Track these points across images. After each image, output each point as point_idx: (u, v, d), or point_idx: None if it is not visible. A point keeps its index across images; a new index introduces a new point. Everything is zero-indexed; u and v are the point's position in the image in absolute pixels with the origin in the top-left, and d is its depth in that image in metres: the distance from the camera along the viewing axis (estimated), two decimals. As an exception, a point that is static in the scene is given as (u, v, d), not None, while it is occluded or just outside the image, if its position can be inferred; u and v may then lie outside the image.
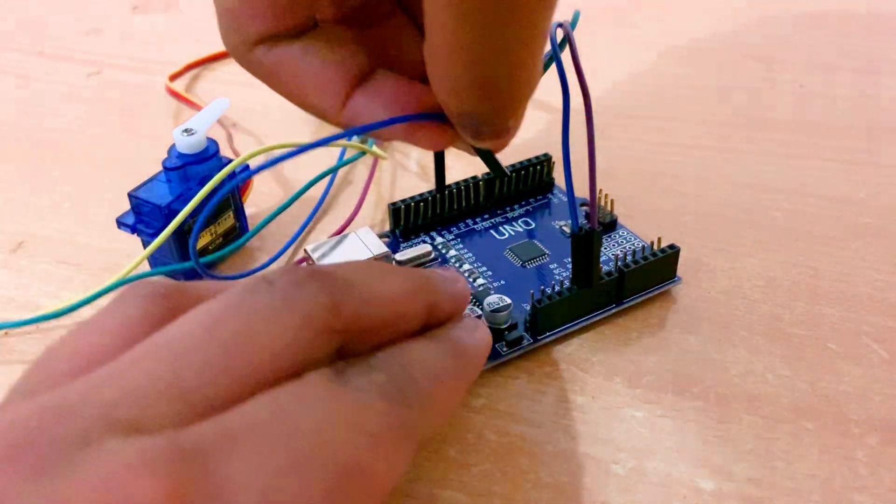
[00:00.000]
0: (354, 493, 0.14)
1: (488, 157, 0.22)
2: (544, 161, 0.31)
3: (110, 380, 0.14)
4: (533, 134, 0.36)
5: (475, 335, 0.20)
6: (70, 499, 0.12)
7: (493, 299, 0.24)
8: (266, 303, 0.16)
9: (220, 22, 0.19)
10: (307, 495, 0.13)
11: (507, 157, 0.35)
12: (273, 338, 0.15)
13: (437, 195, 0.29)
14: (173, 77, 0.42)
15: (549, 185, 0.31)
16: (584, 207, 0.30)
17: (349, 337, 0.17)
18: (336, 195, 0.33)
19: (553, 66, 0.20)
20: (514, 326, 0.24)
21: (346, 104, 0.19)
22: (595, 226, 0.23)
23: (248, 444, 0.14)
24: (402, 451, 0.16)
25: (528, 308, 0.24)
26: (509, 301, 0.24)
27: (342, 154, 0.34)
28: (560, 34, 0.20)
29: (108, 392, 0.14)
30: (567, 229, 0.29)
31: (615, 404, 0.22)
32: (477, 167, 0.31)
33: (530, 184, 0.31)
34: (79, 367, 0.15)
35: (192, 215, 0.26)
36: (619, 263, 0.25)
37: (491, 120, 0.18)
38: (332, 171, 0.32)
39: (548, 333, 0.24)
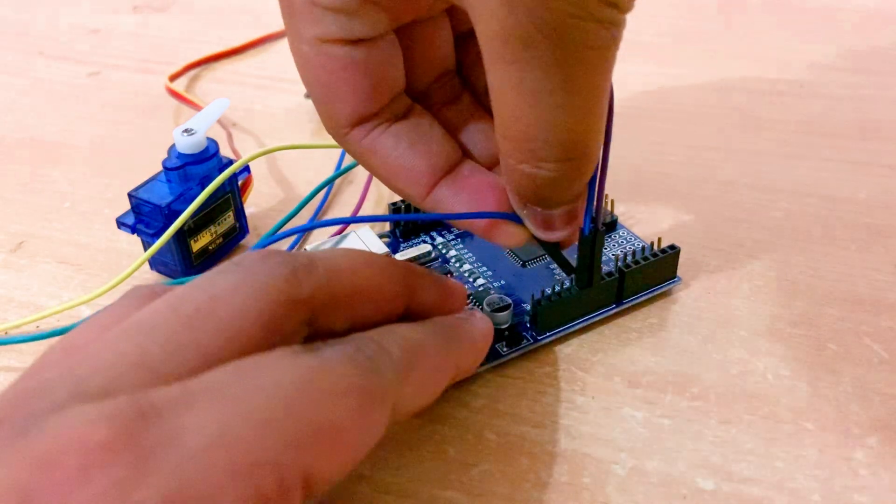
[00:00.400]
0: (311, 446, 0.14)
1: (556, 253, 0.23)
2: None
3: (83, 359, 0.15)
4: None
5: (470, 321, 0.21)
6: (36, 451, 0.13)
7: (493, 299, 0.24)
8: (230, 279, 0.17)
9: (317, 110, 0.21)
10: (260, 442, 0.14)
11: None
12: (234, 309, 0.16)
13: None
14: (173, 77, 0.42)
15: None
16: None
17: (316, 309, 0.17)
18: (336, 195, 0.33)
19: None
20: (514, 326, 0.24)
21: (430, 192, 0.21)
22: (599, 226, 0.23)
23: (206, 399, 0.14)
24: (368, 415, 0.16)
25: (529, 308, 0.24)
26: (510, 301, 0.24)
27: (341, 157, 0.34)
28: None
29: (80, 369, 0.15)
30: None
31: (615, 404, 0.22)
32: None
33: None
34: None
35: (193, 217, 0.26)
36: (620, 264, 0.25)
37: (560, 187, 0.19)
38: (331, 180, 0.32)
39: (548, 333, 0.24)
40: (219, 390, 0.14)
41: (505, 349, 0.24)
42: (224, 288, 0.16)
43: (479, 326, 0.21)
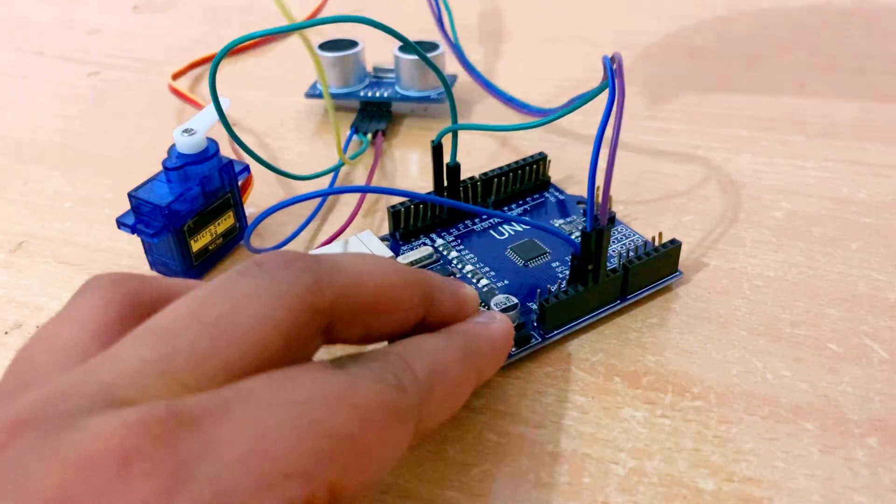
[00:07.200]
0: (339, 459, 0.14)
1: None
2: (540, 160, 0.31)
3: (105, 363, 0.15)
4: (529, 133, 0.36)
5: (490, 327, 0.21)
6: (71, 454, 0.12)
7: (500, 299, 0.24)
8: (251, 284, 0.16)
9: None
10: (292, 453, 0.14)
11: (506, 156, 0.35)
12: (256, 316, 0.16)
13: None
14: (176, 76, 0.42)
15: (546, 183, 0.31)
16: (581, 206, 0.30)
17: (337, 318, 0.17)
18: (335, 196, 0.33)
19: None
20: (521, 326, 0.24)
21: None
22: (604, 223, 0.23)
23: (240, 409, 0.14)
24: (393, 431, 0.16)
25: (535, 307, 0.24)
26: (516, 301, 0.24)
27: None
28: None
29: (104, 374, 0.14)
30: (567, 227, 0.29)
31: (615, 404, 0.22)
32: (476, 168, 0.31)
33: (527, 183, 0.31)
34: (58, 359, 0.16)
35: (193, 216, 0.26)
36: (623, 260, 0.25)
37: None
38: (326, 191, 0.32)
39: (555, 332, 0.24)
40: (252, 401, 0.14)
41: (514, 349, 0.24)
42: (246, 294, 0.16)
43: (500, 329, 0.21)
